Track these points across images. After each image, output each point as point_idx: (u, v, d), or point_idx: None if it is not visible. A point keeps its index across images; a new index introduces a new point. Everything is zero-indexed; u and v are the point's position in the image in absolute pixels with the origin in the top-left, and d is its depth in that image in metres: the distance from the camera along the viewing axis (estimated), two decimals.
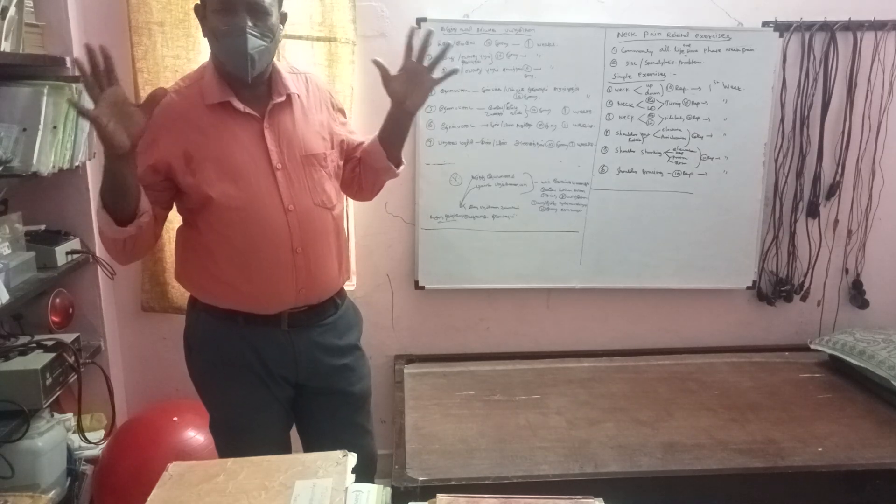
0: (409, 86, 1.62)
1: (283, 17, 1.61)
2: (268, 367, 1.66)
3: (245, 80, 1.52)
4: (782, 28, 2.45)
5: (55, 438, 1.97)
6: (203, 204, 1.55)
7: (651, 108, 2.46)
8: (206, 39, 1.56)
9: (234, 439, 1.67)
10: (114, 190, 1.42)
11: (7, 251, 1.93)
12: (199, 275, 1.63)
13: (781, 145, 2.57)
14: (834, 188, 2.63)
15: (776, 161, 2.58)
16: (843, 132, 2.58)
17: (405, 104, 1.64)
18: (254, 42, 1.48)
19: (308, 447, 1.79)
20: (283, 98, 1.60)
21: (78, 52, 2.15)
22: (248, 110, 1.56)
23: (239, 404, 1.67)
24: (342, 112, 1.81)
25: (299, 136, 1.62)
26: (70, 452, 2.10)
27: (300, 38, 2.28)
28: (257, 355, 1.65)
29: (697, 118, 2.48)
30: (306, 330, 1.67)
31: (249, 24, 1.47)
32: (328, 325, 1.71)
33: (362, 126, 2.25)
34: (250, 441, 1.59)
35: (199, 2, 1.53)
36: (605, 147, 2.48)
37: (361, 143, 1.82)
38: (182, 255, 1.69)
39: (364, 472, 1.81)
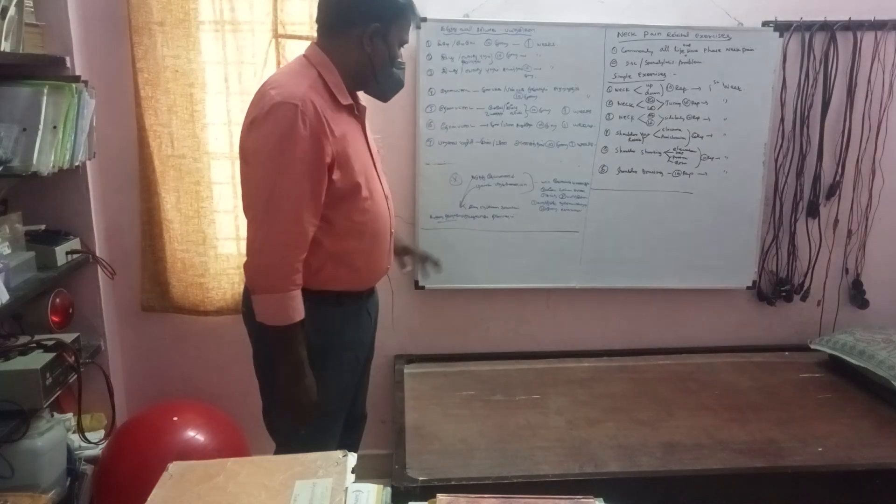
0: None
1: None
2: (362, 340, 1.83)
3: (385, 101, 1.78)
4: (782, 28, 2.45)
5: (55, 438, 1.97)
6: (348, 194, 1.64)
7: (651, 108, 2.46)
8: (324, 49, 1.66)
9: (325, 425, 1.77)
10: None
11: (7, 251, 1.93)
12: (323, 261, 1.67)
13: (781, 145, 2.57)
14: (834, 188, 2.63)
15: (776, 161, 2.58)
16: (843, 132, 2.58)
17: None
18: None
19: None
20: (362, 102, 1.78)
21: (78, 52, 2.15)
22: (358, 112, 1.73)
23: (346, 386, 1.80)
24: None
25: (370, 133, 1.81)
26: (70, 452, 2.09)
27: (301, 38, 2.27)
28: (357, 329, 1.80)
29: (697, 118, 2.48)
30: (371, 299, 1.87)
31: None
32: (375, 293, 1.91)
33: None
34: (337, 424, 1.79)
35: (378, 25, 1.61)
36: (605, 147, 2.48)
37: None
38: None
39: (359, 428, 1.99)
